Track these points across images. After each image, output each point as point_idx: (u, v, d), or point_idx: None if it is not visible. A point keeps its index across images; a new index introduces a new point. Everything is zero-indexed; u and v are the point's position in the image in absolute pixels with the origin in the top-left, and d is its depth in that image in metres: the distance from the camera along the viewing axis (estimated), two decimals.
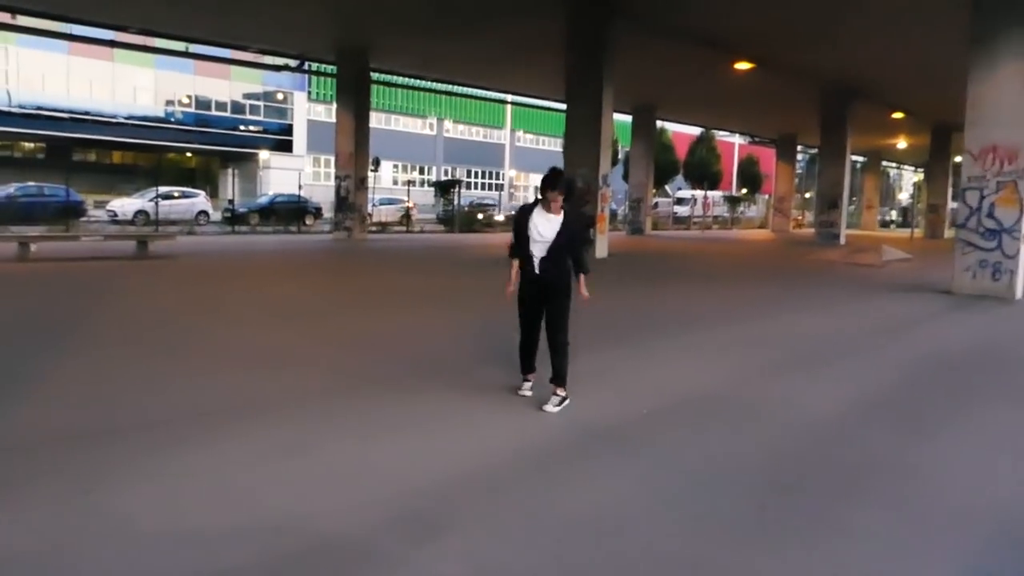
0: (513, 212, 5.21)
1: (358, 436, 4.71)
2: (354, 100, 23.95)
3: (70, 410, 5.06)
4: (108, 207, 29.27)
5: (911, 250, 23.25)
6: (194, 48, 27.20)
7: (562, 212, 5.29)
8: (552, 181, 5.24)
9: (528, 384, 5.66)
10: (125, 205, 29.33)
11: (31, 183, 26.78)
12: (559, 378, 5.38)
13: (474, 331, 8.23)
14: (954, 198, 44.92)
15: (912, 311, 11.48)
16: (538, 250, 5.31)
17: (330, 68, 26.30)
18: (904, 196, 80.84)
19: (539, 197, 5.37)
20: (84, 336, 7.43)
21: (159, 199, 28.77)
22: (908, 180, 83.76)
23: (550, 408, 5.27)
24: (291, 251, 19.61)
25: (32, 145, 41.39)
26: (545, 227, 5.27)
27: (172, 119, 44.48)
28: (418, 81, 31.68)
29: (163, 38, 23.70)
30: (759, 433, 5.06)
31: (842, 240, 29.12)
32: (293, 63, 26.17)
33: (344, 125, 24.14)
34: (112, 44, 26.00)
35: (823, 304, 11.95)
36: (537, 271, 5.32)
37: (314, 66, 29.21)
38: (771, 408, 5.68)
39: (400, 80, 31.91)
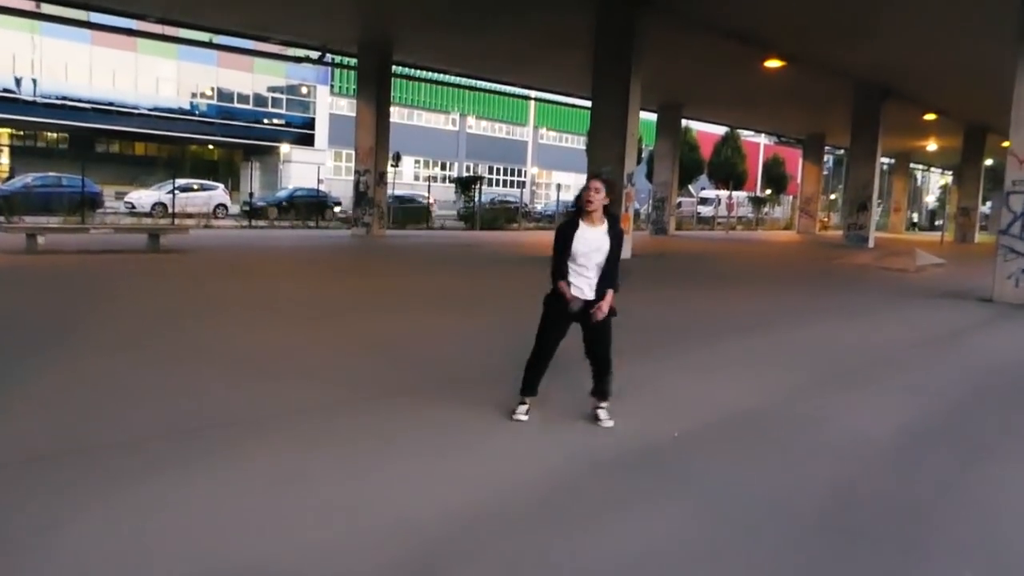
0: (564, 213, 4.51)
1: (358, 461, 4.24)
2: (375, 94, 23.53)
3: (38, 425, 4.59)
4: (126, 199, 29.07)
5: (943, 254, 22.50)
6: (217, 39, 26.95)
7: (605, 221, 4.77)
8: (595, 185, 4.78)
9: (525, 408, 5.01)
10: (143, 197, 29.14)
11: (50, 173, 26.64)
12: (604, 394, 5.02)
13: (494, 337, 7.76)
14: (984, 201, 44.15)
15: (955, 321, 10.88)
16: (585, 271, 4.76)
17: (352, 61, 25.89)
18: (930, 199, 79.52)
19: (577, 207, 4.82)
20: (74, 337, 7.01)
21: (177, 191, 28.61)
22: (934, 183, 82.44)
23: (609, 422, 4.93)
24: (307, 247, 19.23)
25: (55, 135, 41.39)
26: (591, 242, 4.73)
27: (196, 111, 44.32)
28: (441, 76, 31.21)
29: (183, 27, 23.39)
30: (808, 462, 4.55)
31: (871, 243, 28.37)
32: (314, 55, 25.76)
33: (364, 119, 23.74)
34: (135, 33, 25.73)
35: (861, 312, 11.36)
36: (588, 295, 4.78)
37: (336, 59, 28.88)
38: (819, 431, 5.16)
39: (422, 74, 31.51)
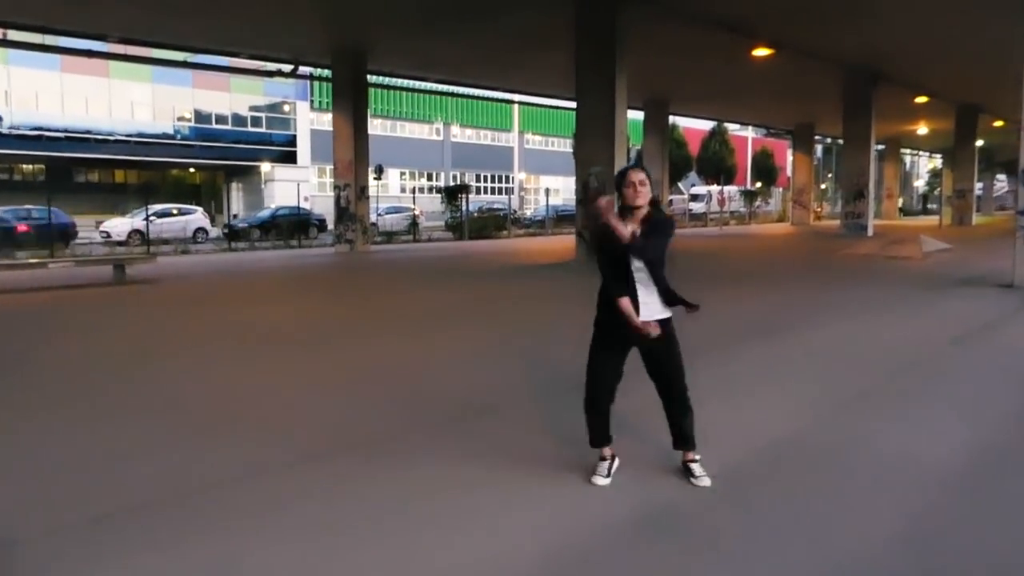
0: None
1: (320, 543, 3.40)
2: (352, 105, 22.70)
3: None
4: (101, 228, 28.20)
5: (946, 238, 21.74)
6: (192, 58, 26.09)
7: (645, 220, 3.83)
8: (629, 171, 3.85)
9: (606, 464, 4.03)
10: (119, 225, 28.27)
11: (25, 206, 25.70)
12: (689, 441, 4.05)
13: (493, 360, 6.92)
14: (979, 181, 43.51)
15: (981, 312, 10.08)
16: (641, 283, 3.82)
17: (327, 73, 25.05)
18: (920, 183, 79.08)
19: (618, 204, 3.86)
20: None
21: (154, 217, 27.76)
22: (923, 167, 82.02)
23: (705, 480, 3.96)
24: (288, 268, 18.38)
25: (31, 167, 40.42)
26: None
27: (179, 135, 43.41)
28: (420, 83, 30.45)
29: (146, 46, 22.52)
30: (873, 505, 3.72)
31: (870, 231, 27.64)
32: (287, 68, 24.92)
33: (342, 131, 22.90)
34: (106, 56, 24.92)
35: (877, 307, 10.56)
36: (649, 314, 3.83)
37: (313, 72, 28.10)
38: (875, 461, 4.33)
39: (402, 83, 30.71)
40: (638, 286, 3.80)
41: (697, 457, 4.05)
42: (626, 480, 3.99)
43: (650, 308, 3.82)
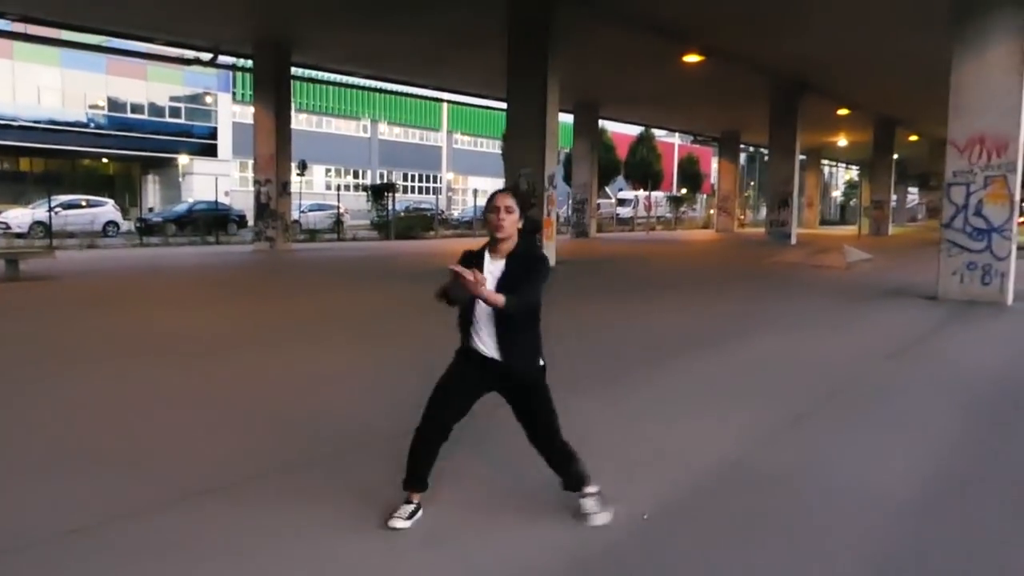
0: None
1: None
2: (274, 97, 21.79)
3: None
4: (0, 218, 26.46)
5: (866, 248, 22.09)
6: (106, 43, 24.67)
7: (518, 246, 3.40)
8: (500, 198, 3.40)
9: (411, 508, 3.50)
10: (20, 216, 26.59)
11: None
12: (580, 481, 3.55)
13: (398, 379, 6.38)
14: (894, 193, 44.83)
15: (908, 324, 10.04)
16: (485, 318, 3.36)
17: (249, 63, 24.00)
18: (837, 194, 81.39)
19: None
20: None
21: (60, 208, 26.24)
22: (839, 178, 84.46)
23: (603, 518, 3.51)
24: (201, 266, 17.44)
25: None
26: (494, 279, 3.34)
27: (92, 124, 41.27)
28: (346, 78, 29.56)
29: (50, 26, 21.14)
30: (826, 543, 3.37)
31: (793, 240, 28.05)
32: (206, 57, 23.80)
33: (263, 125, 21.97)
34: (9, 36, 23.33)
35: (809, 319, 10.43)
36: (493, 353, 3.37)
37: (232, 61, 26.97)
38: (822, 490, 3.99)
39: (328, 77, 29.80)
40: (482, 321, 3.37)
41: (592, 489, 3.55)
42: (526, 522, 3.55)
43: (484, 346, 3.40)
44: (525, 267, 3.32)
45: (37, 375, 6.43)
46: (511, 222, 3.32)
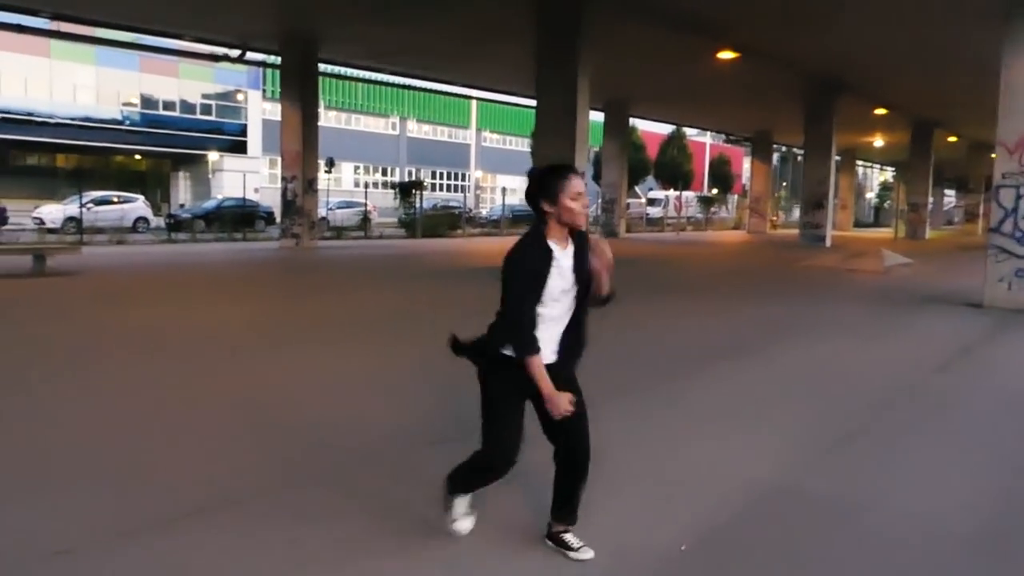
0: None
1: None
2: (300, 93, 21.64)
3: None
4: (34, 214, 26.63)
5: (903, 252, 21.47)
6: (139, 40, 24.68)
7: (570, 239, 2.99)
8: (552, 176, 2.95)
9: (469, 520, 3.25)
10: (54, 212, 26.74)
11: None
12: (574, 511, 3.17)
13: (419, 383, 6.11)
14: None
15: (954, 333, 9.57)
16: (556, 321, 2.97)
17: (278, 60, 23.87)
18: (871, 196, 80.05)
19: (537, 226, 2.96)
20: None
21: (92, 205, 26.33)
22: (874, 179, 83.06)
23: (587, 552, 3.13)
24: (225, 263, 17.31)
25: None
26: (567, 272, 2.93)
27: (127, 121, 41.61)
28: (374, 75, 29.38)
29: (81, 23, 21.13)
30: None
31: (828, 242, 27.42)
32: (234, 53, 23.72)
33: (290, 121, 21.83)
34: (45, 33, 23.41)
35: (847, 326, 9.99)
36: (558, 356, 2.98)
37: (261, 58, 26.88)
38: (879, 520, 3.63)
39: (357, 74, 29.66)
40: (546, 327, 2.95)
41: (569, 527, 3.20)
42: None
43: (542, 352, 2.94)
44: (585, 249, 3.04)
45: (44, 375, 6.22)
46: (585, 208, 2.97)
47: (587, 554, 3.11)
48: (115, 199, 28.99)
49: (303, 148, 21.68)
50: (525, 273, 2.83)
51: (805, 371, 7.10)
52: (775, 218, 51.78)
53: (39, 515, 3.54)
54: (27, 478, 4.00)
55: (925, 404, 6.06)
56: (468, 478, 3.13)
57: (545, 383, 2.81)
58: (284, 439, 4.68)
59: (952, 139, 41.63)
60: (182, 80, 43.47)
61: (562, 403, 2.82)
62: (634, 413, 5.34)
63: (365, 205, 31.05)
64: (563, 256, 2.91)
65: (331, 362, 7.01)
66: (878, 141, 43.74)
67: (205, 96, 44.94)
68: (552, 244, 2.89)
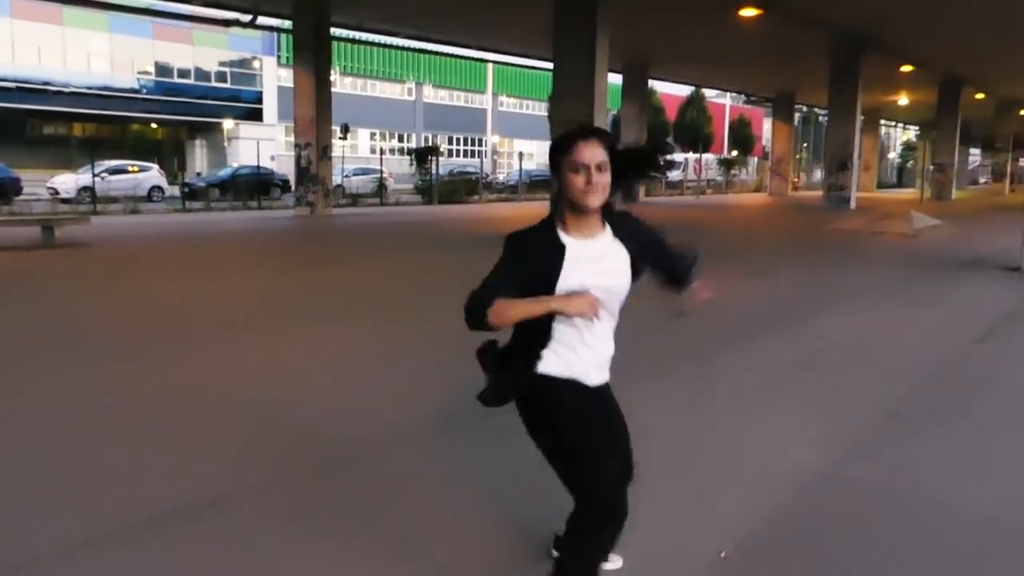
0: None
1: None
2: (313, 58, 21.21)
3: None
4: (49, 184, 26.50)
5: (931, 214, 20.87)
6: (153, 6, 24.31)
7: (606, 222, 2.35)
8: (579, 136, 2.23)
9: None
10: (68, 181, 26.59)
11: None
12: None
13: (428, 362, 5.79)
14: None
15: (993, 300, 9.17)
16: (598, 334, 2.32)
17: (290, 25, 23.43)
18: (893, 156, 78.59)
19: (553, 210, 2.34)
20: None
21: (106, 174, 26.16)
22: (896, 139, 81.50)
23: (614, 562, 2.70)
24: (238, 232, 17.07)
25: None
26: (599, 268, 2.27)
27: (144, 90, 41.31)
28: (389, 39, 28.86)
29: None
30: None
31: (853, 204, 26.80)
32: (245, 19, 23.29)
33: (303, 87, 21.44)
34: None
35: (880, 293, 9.59)
36: (599, 378, 2.38)
37: (274, 23, 26.42)
38: (933, 512, 3.32)
39: (368, 37, 29.13)
40: (561, 346, 2.31)
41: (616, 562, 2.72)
42: None
43: (587, 372, 2.34)
44: (647, 232, 2.49)
45: (35, 359, 5.97)
46: (607, 182, 2.23)
47: (615, 563, 2.72)
48: (131, 168, 28.80)
49: (316, 114, 21.31)
50: (511, 264, 2.23)
51: (843, 344, 6.74)
52: (796, 180, 50.95)
53: (9, 520, 3.29)
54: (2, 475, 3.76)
55: (969, 379, 5.69)
56: (585, 556, 2.37)
57: (540, 304, 2.18)
58: (281, 429, 4.40)
59: (979, 96, 40.54)
60: (196, 47, 43.01)
61: (584, 300, 2.16)
62: (663, 396, 5.01)
63: (381, 172, 30.70)
64: (587, 248, 2.25)
65: (335, 341, 6.66)
66: (903, 100, 42.73)
67: (221, 63, 44.51)
68: (567, 236, 2.24)
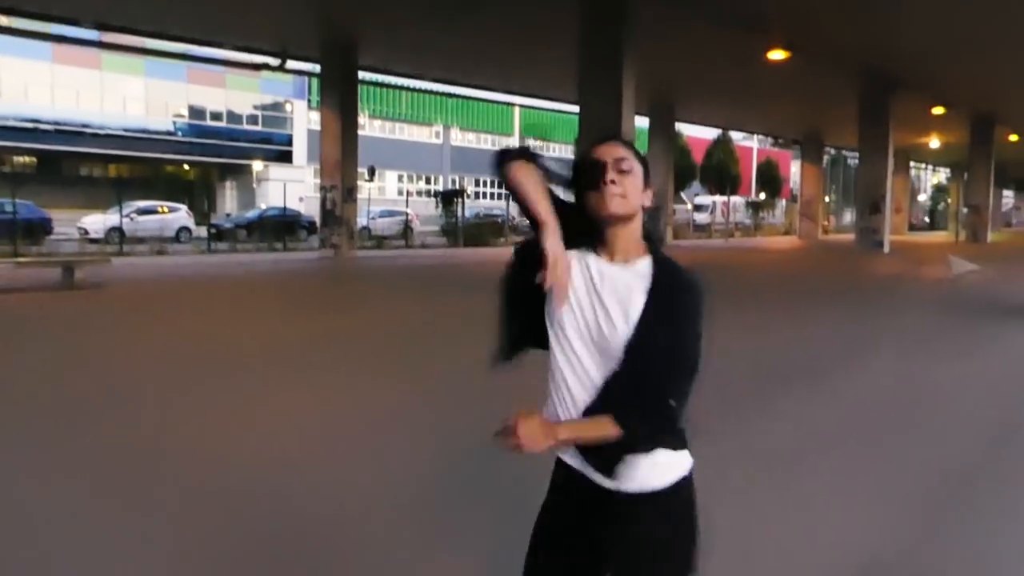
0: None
1: None
2: (340, 101, 21.28)
3: None
4: (79, 224, 26.68)
5: (969, 257, 20.28)
6: (188, 51, 24.67)
7: (644, 253, 1.78)
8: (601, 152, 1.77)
9: None
10: (97, 222, 26.76)
11: None
12: None
13: (411, 428, 5.35)
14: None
15: None
16: (582, 386, 1.73)
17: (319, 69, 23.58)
18: (923, 198, 77.74)
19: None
20: None
21: (134, 214, 26.36)
22: (926, 181, 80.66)
23: None
24: (260, 274, 16.91)
25: (24, 159, 38.95)
26: (613, 300, 1.71)
27: (179, 132, 42.03)
28: (416, 82, 29.01)
29: (124, 32, 21.10)
30: None
31: (886, 247, 26.23)
32: (274, 62, 23.47)
33: (329, 129, 21.48)
34: (99, 45, 23.52)
35: (925, 341, 9.11)
36: (591, 462, 1.74)
37: (305, 67, 26.63)
38: None
39: (395, 80, 29.31)
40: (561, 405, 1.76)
41: None
42: None
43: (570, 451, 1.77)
44: (663, 289, 1.71)
45: (24, 408, 5.72)
46: (634, 188, 1.76)
47: None
48: (162, 209, 29.01)
49: (342, 157, 21.32)
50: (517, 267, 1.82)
51: (892, 397, 6.31)
52: (826, 223, 50.38)
53: None
54: None
55: None
56: None
57: (539, 205, 1.71)
58: (255, 503, 4.07)
59: (1013, 138, 39.89)
60: (229, 91, 43.79)
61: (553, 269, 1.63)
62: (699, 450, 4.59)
63: (406, 214, 30.65)
64: (609, 271, 1.75)
65: (332, 395, 6.12)
66: (934, 141, 42.19)
67: (254, 107, 45.21)
68: (594, 255, 1.78)
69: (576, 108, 16.80)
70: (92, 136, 38.54)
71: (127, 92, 40.39)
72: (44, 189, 31.28)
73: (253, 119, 45.57)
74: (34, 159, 39.28)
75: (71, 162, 40.45)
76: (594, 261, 1.77)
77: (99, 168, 41.63)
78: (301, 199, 37.89)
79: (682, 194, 48.46)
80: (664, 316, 1.67)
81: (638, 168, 1.78)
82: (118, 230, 24.52)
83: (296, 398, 5.96)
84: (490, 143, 58.64)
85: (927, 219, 68.09)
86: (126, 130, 39.85)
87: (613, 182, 1.72)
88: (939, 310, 11.89)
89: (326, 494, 3.98)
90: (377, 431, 5.17)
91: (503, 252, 25.28)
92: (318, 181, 44.10)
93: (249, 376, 6.68)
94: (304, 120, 46.64)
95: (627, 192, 1.73)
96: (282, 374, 6.81)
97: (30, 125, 36.52)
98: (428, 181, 53.74)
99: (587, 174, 1.75)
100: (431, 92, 32.60)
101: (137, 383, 6.40)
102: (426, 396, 6.06)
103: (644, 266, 1.75)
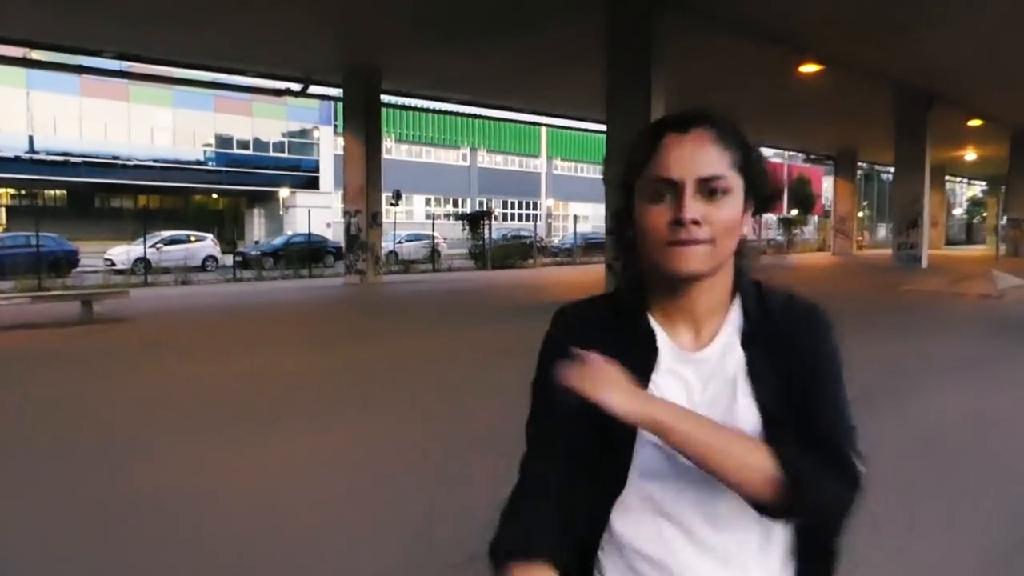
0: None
1: None
2: (363, 125, 21.10)
3: None
4: (106, 255, 26.78)
5: (1013, 272, 19.47)
6: (210, 78, 24.79)
7: (735, 303, 1.18)
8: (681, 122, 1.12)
9: None
10: (123, 253, 26.84)
11: (23, 233, 24.30)
12: None
13: (455, 478, 5.00)
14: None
15: None
16: (685, 504, 1.13)
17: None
18: (959, 212, 76.23)
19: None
20: None
21: (160, 244, 26.41)
22: (960, 195, 79.15)
23: None
24: (283, 302, 16.65)
25: (55, 192, 39.39)
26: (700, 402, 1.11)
27: (209, 161, 42.35)
28: (444, 106, 28.83)
29: (146, 62, 21.15)
30: None
31: (924, 263, 25.48)
32: (297, 87, 23.43)
33: (353, 154, 21.30)
34: (125, 75, 23.69)
35: (980, 362, 8.54)
36: None
37: (332, 93, 26.61)
38: None
39: (418, 103, 29.17)
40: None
41: None
42: None
43: None
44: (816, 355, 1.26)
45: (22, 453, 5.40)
46: (728, 221, 1.10)
47: None
48: (190, 238, 29.07)
49: (367, 181, 21.11)
50: (543, 386, 1.14)
51: (950, 427, 5.79)
52: (861, 238, 49.40)
53: None
54: None
55: None
56: None
57: None
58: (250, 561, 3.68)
59: None
60: (256, 119, 44.07)
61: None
62: None
63: (433, 237, 30.44)
64: (693, 372, 1.15)
65: (342, 442, 5.70)
66: (970, 155, 41.30)
67: (281, 134, 45.46)
68: (657, 326, 1.16)
69: (603, 128, 16.44)
70: (121, 167, 38.89)
71: (155, 123, 40.77)
72: (74, 222, 31.63)
73: (280, 146, 45.80)
74: (64, 192, 39.66)
75: (101, 194, 40.86)
76: (669, 354, 1.13)
77: (129, 199, 41.96)
78: (328, 225, 37.86)
79: None
80: (789, 392, 1.14)
81: (738, 183, 1.10)
82: (144, 260, 24.54)
83: (301, 445, 5.56)
84: (517, 165, 58.49)
85: (963, 233, 66.64)
86: (155, 161, 40.19)
87: (696, 223, 1.06)
88: (987, 330, 11.26)
89: (323, 557, 3.57)
90: (388, 481, 4.74)
91: (532, 274, 25.02)
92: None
93: (253, 421, 6.32)
94: (331, 146, 46.78)
95: (717, 233, 1.08)
96: (292, 417, 6.42)
97: (60, 159, 36.88)
98: (455, 204, 53.64)
99: (645, 190, 1.12)
100: (457, 114, 32.48)
101: (134, 426, 6.07)
102: (447, 439, 5.65)
103: (731, 330, 1.16)
